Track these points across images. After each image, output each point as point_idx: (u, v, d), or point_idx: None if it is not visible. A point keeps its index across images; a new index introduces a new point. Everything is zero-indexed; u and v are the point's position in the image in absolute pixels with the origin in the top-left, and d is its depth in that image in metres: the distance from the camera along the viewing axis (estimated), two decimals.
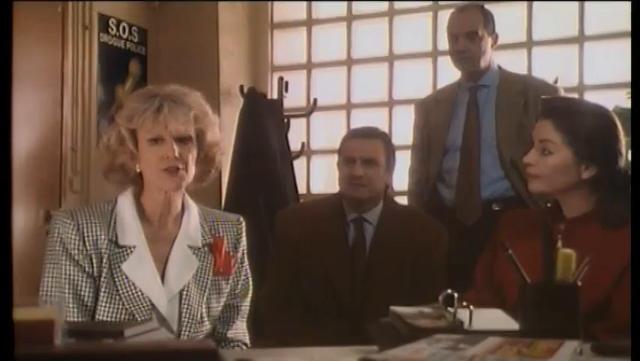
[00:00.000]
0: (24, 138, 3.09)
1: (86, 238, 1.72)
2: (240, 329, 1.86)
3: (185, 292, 1.75)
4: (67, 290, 1.70)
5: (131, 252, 1.73)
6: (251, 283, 1.90)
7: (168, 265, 1.76)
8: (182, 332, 1.73)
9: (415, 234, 2.56)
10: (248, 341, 1.89)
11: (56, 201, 3.23)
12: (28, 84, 3.08)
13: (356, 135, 2.68)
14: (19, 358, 0.95)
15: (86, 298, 1.71)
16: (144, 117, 1.71)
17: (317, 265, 2.54)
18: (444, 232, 2.62)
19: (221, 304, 1.82)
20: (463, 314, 1.37)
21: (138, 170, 1.78)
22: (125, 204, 1.78)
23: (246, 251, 1.89)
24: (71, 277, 1.71)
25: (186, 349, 1.14)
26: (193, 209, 1.84)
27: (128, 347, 1.21)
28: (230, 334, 1.84)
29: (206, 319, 1.78)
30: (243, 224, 1.90)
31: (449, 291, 1.41)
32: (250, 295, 1.89)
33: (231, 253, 1.84)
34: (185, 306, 1.74)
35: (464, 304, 1.38)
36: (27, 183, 3.10)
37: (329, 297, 2.53)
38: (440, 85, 3.56)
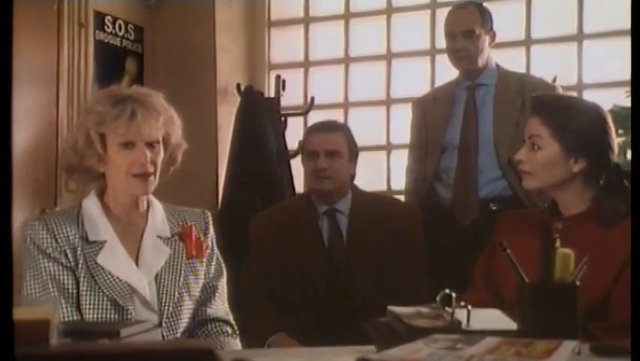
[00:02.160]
0: (19, 137, 3.08)
1: (58, 236, 1.78)
2: (220, 307, 1.92)
3: (160, 277, 1.82)
4: (51, 286, 1.75)
5: (103, 246, 1.80)
6: (223, 265, 1.96)
7: (140, 254, 1.83)
8: (163, 312, 1.79)
9: (389, 217, 2.62)
10: (231, 319, 1.95)
11: (52, 200, 3.23)
12: (23, 82, 3.08)
13: (317, 129, 2.72)
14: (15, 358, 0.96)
15: (70, 290, 1.76)
16: (117, 123, 1.76)
17: (295, 262, 2.57)
18: (416, 211, 2.71)
19: (200, 285, 1.88)
20: (460, 314, 1.38)
21: (102, 171, 1.83)
22: (90, 205, 1.84)
23: (214, 240, 1.96)
24: (52, 273, 1.76)
25: (183, 349, 1.15)
26: (157, 206, 1.91)
27: (124, 347, 1.21)
28: (210, 311, 1.90)
29: (187, 299, 1.84)
30: (209, 215, 1.98)
31: (447, 291, 1.41)
32: (225, 276, 1.95)
33: (202, 239, 1.91)
34: (162, 288, 1.81)
35: (462, 304, 1.39)
36: (22, 182, 3.10)
37: (309, 292, 2.55)
38: (438, 83, 3.56)
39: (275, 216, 2.71)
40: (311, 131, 2.75)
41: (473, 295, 1.81)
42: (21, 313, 1.11)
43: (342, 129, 2.73)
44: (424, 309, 1.46)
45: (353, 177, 2.74)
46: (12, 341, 0.92)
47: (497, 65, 3.09)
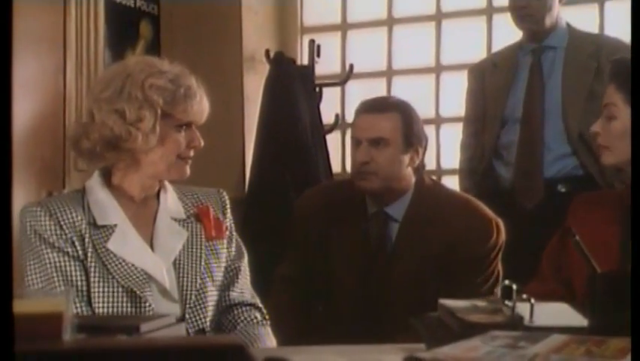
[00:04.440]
0: (22, 111, 3.13)
1: (62, 223, 1.80)
2: (245, 289, 1.96)
3: (179, 262, 1.85)
4: (57, 279, 1.77)
5: (113, 230, 1.82)
6: (243, 246, 2.00)
7: (155, 238, 1.86)
8: (186, 303, 1.82)
9: (450, 227, 2.31)
10: (259, 303, 1.97)
11: (59, 180, 3.28)
12: (26, 49, 3.12)
13: (363, 110, 2.44)
14: (23, 355, 0.98)
15: (79, 283, 1.78)
16: (187, 103, 1.82)
17: (330, 261, 2.44)
18: (491, 222, 2.34)
19: (222, 268, 1.92)
20: (523, 308, 1.38)
21: (137, 151, 1.83)
22: (96, 187, 1.87)
23: (232, 221, 2.00)
24: (57, 265, 1.78)
25: (211, 345, 1.17)
26: (169, 186, 1.95)
27: (145, 343, 1.23)
28: (234, 295, 1.93)
29: (210, 285, 1.87)
30: (225, 194, 2.01)
31: (507, 282, 1.41)
32: (246, 257, 1.99)
33: (220, 219, 1.95)
34: (182, 274, 1.84)
35: (524, 297, 1.39)
36: (26, 161, 3.15)
37: (338, 304, 2.45)
38: (496, 47, 3.54)
39: (324, 202, 2.52)
40: (357, 111, 2.46)
41: (540, 285, 1.82)
42: (30, 305, 1.14)
43: (396, 109, 2.39)
44: (480, 303, 1.47)
45: (421, 169, 2.46)
46: (12, 337, 0.94)
47: (568, 25, 3.06)
